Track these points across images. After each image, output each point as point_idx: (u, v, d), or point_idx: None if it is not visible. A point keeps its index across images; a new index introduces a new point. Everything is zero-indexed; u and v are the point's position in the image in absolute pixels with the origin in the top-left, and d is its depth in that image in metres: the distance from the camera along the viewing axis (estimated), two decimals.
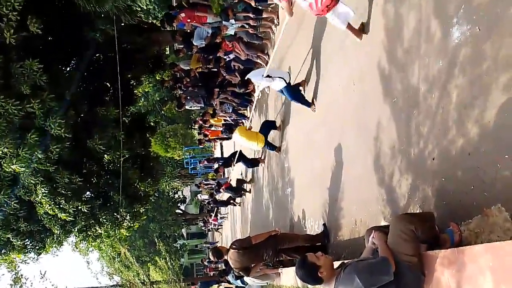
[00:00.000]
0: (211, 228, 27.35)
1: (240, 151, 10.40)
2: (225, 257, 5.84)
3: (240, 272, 6.24)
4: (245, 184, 13.94)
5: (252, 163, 11.29)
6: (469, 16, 2.89)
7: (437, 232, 2.93)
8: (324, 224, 5.75)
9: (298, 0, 4.40)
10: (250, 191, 13.60)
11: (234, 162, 11.06)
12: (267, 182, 10.47)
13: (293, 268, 4.07)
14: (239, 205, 16.28)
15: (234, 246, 5.53)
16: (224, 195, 16.46)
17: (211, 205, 19.31)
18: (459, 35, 2.97)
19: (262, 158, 10.78)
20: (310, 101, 6.42)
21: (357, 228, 4.67)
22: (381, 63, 4.20)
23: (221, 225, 25.40)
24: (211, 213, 23.21)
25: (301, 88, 6.93)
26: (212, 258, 6.26)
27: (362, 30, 4.65)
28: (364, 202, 4.50)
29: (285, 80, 6.55)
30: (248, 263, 5.86)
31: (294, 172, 7.73)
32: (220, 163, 13.23)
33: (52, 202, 10.68)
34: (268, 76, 6.58)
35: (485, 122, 2.72)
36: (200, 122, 14.04)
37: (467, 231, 2.85)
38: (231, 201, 16.22)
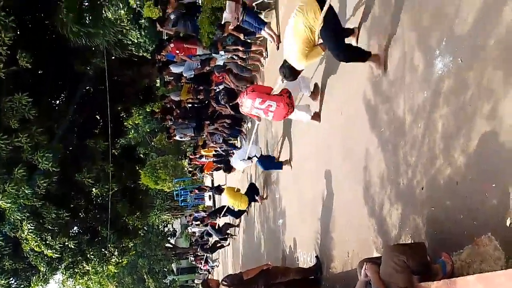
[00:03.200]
0: (203, 271, 26.59)
1: (228, 206, 10.52)
2: None
3: None
4: (232, 228, 13.97)
5: (239, 214, 11.71)
6: (451, 48, 2.98)
7: (429, 263, 2.91)
8: (316, 256, 5.67)
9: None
10: (236, 237, 13.64)
11: (221, 215, 11.63)
12: (259, 214, 10.37)
13: None
14: (228, 245, 16.09)
15: (224, 283, 5.38)
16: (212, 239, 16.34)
17: (199, 244, 18.78)
18: (442, 66, 3.05)
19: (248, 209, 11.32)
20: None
21: (350, 259, 4.60)
22: (367, 94, 4.27)
23: (213, 268, 24.80)
24: (201, 257, 22.64)
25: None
26: None
27: (318, 116, 5.55)
28: (356, 233, 4.46)
29: (257, 156, 7.81)
30: None
31: (285, 203, 7.68)
32: (208, 214, 13.38)
33: (39, 238, 10.43)
34: (245, 159, 7.83)
35: (470, 151, 2.75)
36: (191, 156, 14.02)
37: (459, 262, 2.83)
38: (218, 245, 16.02)
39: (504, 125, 2.49)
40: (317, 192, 5.67)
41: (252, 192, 9.59)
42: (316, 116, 5.55)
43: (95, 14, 9.36)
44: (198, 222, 16.39)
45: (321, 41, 3.94)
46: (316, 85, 5.65)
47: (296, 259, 6.63)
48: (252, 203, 10.57)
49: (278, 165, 7.59)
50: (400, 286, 2.74)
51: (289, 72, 4.24)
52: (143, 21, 16.29)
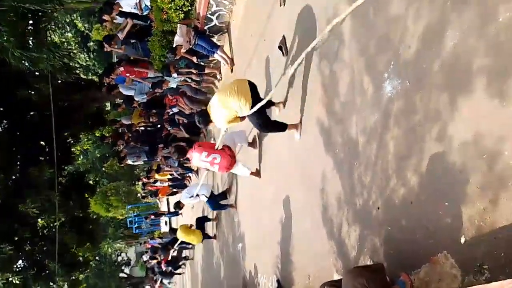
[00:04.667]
0: None
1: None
2: None
3: None
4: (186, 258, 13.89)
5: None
6: (398, 71, 3.08)
7: (389, 284, 2.91)
8: (277, 281, 5.58)
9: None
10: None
11: (173, 249, 11.80)
12: (217, 238, 10.15)
13: None
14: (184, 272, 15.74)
15: None
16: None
17: (156, 273, 18.14)
18: (391, 89, 3.14)
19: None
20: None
21: (311, 283, 4.55)
22: (320, 117, 4.34)
23: None
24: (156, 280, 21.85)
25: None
26: None
27: (258, 173, 6.22)
28: (316, 256, 4.43)
29: (206, 196, 8.17)
30: None
31: (244, 226, 7.57)
32: (159, 249, 13.23)
33: None
34: (192, 196, 8.17)
35: (422, 171, 2.82)
36: (144, 180, 13.60)
37: (417, 280, 2.85)
38: (175, 272, 15.59)
39: (453, 145, 2.57)
40: (276, 217, 5.62)
41: (202, 225, 10.17)
42: (257, 173, 6.30)
43: (39, 38, 8.94)
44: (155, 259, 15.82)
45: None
46: (254, 137, 6.43)
47: (257, 284, 6.50)
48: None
49: (225, 207, 8.46)
50: None
51: (203, 119, 5.00)
52: (91, 44, 15.88)
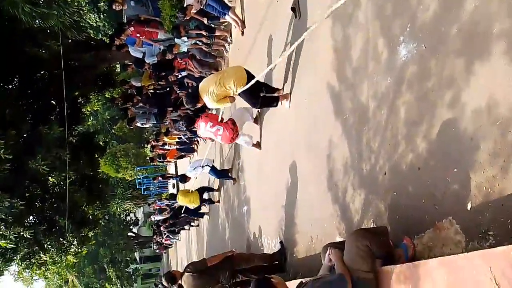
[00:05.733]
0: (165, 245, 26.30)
1: (186, 206, 10.97)
2: (179, 282, 5.58)
3: None
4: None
5: (197, 213, 12.64)
6: (415, 34, 2.99)
7: (392, 247, 2.95)
8: (281, 242, 5.69)
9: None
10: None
11: (180, 215, 12.44)
12: (223, 202, 10.31)
13: None
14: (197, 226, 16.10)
15: (188, 270, 5.30)
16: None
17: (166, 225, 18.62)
18: (406, 53, 3.06)
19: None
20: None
21: (313, 245, 4.63)
22: (331, 82, 4.27)
23: (171, 245, 24.63)
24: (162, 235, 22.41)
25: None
26: (165, 284, 5.95)
27: (259, 145, 6.74)
28: (319, 219, 4.48)
29: (209, 166, 8.83)
30: (204, 286, 5.63)
31: (249, 191, 7.65)
32: (168, 217, 13.63)
33: None
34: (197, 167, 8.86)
35: (432, 138, 2.79)
36: (153, 142, 13.68)
37: (420, 245, 2.88)
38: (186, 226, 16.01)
39: (466, 111, 2.52)
40: (281, 181, 5.67)
41: (201, 192, 10.48)
42: (257, 145, 6.82)
43: None
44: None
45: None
46: (257, 114, 6.89)
47: (260, 245, 6.64)
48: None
49: (228, 176, 9.14)
50: (363, 270, 2.77)
51: (191, 100, 5.48)
52: (102, 4, 15.59)
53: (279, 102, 5.61)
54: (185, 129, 11.61)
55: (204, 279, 5.33)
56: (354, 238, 2.87)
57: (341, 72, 4.09)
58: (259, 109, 6.57)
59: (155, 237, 21.39)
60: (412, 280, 2.46)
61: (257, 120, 6.91)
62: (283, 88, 5.67)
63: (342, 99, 4.05)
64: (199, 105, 5.65)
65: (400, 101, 3.13)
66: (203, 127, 6.16)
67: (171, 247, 25.50)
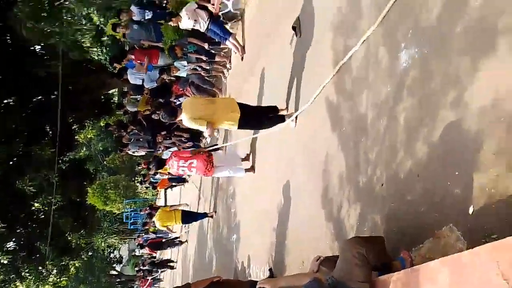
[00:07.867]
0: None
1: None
2: None
3: None
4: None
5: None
6: (417, 39, 2.98)
7: (389, 257, 2.78)
8: (270, 269, 5.42)
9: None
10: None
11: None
12: (212, 230, 9.99)
13: None
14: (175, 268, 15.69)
15: None
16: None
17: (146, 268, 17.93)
18: (407, 58, 3.04)
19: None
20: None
21: (304, 268, 4.40)
22: (329, 97, 4.24)
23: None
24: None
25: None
26: None
27: (252, 168, 6.60)
28: (313, 240, 4.28)
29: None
30: None
31: (240, 217, 7.43)
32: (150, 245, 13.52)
33: None
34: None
35: (433, 141, 2.70)
36: (145, 166, 13.49)
37: (419, 257, 2.71)
38: (168, 264, 15.58)
39: (467, 114, 2.45)
40: (274, 203, 5.50)
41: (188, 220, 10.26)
42: (251, 169, 6.68)
43: (53, 13, 8.93)
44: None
45: None
46: (247, 154, 6.93)
47: (248, 275, 6.33)
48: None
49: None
50: (359, 281, 2.58)
51: (168, 114, 5.49)
52: (105, 38, 15.89)
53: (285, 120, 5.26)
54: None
55: None
56: (349, 246, 2.69)
57: (340, 81, 4.06)
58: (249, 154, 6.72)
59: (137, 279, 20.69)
60: (411, 285, 2.28)
61: (247, 157, 6.91)
62: (287, 107, 5.55)
63: (340, 110, 3.99)
64: (174, 120, 5.66)
65: (400, 107, 3.07)
66: (176, 165, 6.23)
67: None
